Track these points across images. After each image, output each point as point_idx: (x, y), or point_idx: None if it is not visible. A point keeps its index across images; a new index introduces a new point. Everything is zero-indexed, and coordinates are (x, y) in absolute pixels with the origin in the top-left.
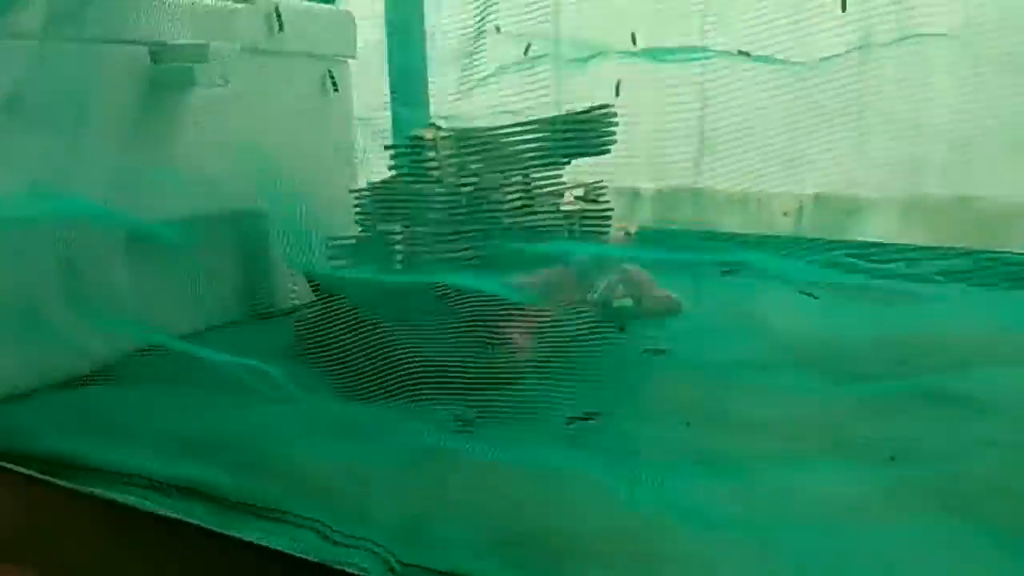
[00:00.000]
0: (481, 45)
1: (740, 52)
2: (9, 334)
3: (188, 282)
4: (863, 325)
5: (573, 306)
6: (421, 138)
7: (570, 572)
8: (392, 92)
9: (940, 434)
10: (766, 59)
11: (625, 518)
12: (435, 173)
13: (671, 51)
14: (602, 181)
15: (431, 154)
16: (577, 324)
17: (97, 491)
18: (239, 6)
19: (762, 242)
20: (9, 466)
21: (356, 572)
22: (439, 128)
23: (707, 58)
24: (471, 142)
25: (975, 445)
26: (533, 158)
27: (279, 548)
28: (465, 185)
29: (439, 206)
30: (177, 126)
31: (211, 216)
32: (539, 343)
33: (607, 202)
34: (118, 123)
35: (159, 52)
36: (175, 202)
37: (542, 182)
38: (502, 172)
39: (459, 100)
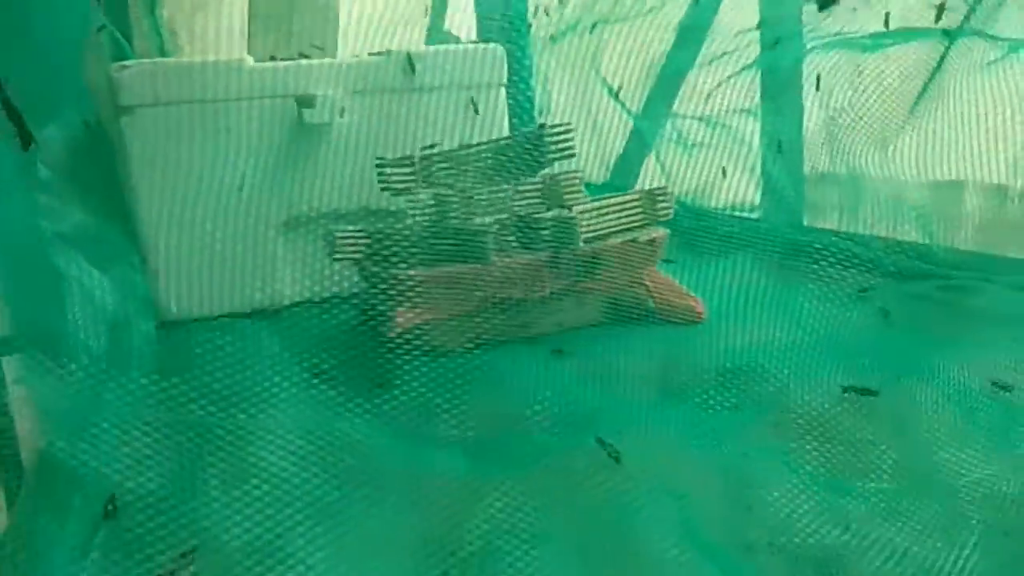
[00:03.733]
0: None
1: None
2: None
3: None
4: None
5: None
6: (402, 158)
7: None
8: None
9: None
10: None
11: None
12: (410, 184)
13: None
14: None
15: (407, 170)
16: None
17: None
18: (374, 59)
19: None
20: None
21: None
22: (429, 147)
23: None
24: (451, 160)
25: None
26: (503, 169)
27: None
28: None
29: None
30: (322, 148)
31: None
32: None
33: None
34: (279, 147)
35: (300, 100)
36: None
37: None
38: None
39: None
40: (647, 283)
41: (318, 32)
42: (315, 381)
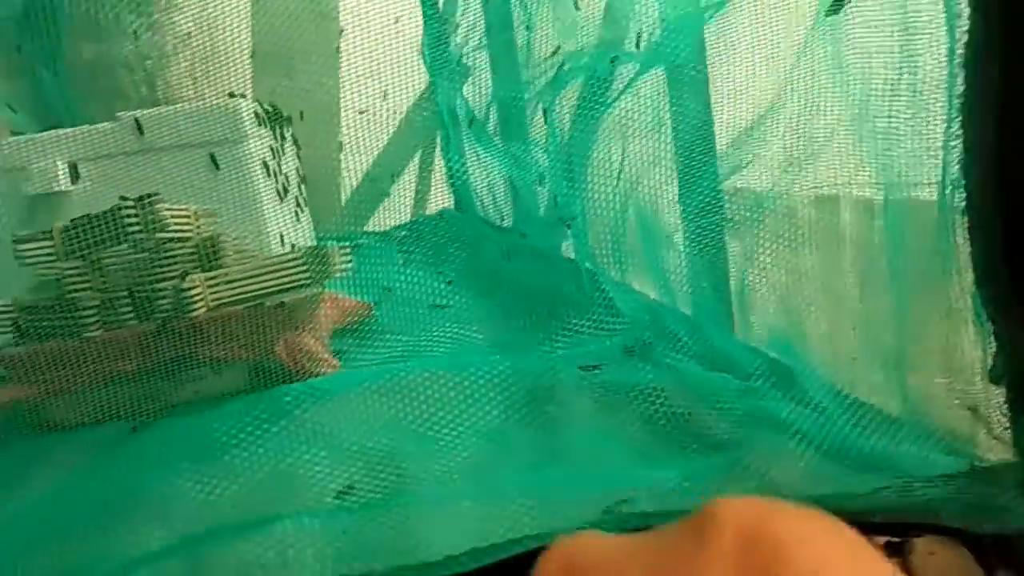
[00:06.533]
0: None
1: None
2: None
3: None
4: None
5: None
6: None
7: None
8: None
9: None
10: None
11: None
12: (49, 258)
13: None
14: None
15: (46, 244)
16: None
17: None
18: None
19: None
20: None
21: None
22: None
23: None
24: (92, 230)
25: None
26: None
27: None
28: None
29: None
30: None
31: None
32: None
33: None
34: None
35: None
36: None
37: None
38: None
39: None
40: (281, 350)
41: None
42: None
